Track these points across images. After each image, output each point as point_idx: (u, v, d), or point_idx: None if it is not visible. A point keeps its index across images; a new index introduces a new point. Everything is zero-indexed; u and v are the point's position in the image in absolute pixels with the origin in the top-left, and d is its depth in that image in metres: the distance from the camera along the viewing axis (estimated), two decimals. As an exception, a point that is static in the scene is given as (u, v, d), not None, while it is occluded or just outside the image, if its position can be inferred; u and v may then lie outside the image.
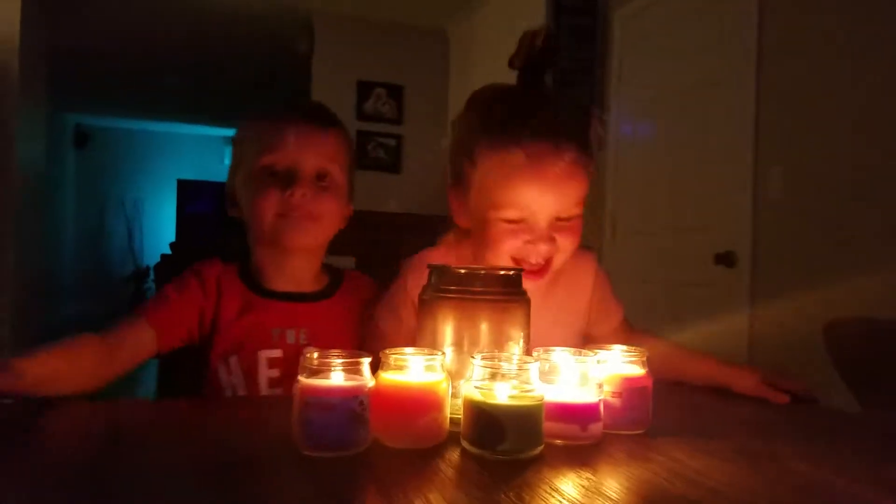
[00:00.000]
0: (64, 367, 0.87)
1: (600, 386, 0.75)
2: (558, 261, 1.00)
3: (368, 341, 1.12)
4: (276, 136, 1.11)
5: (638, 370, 0.81)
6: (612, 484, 0.63)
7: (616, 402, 0.78)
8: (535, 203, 0.95)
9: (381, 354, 0.73)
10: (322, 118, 1.16)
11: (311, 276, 1.18)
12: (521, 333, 0.79)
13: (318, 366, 0.69)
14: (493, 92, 1.02)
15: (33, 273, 4.43)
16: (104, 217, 9.45)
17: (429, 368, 0.72)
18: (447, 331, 0.78)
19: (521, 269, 0.82)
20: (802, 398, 1.00)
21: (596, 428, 0.74)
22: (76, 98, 7.95)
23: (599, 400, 0.74)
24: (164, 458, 0.66)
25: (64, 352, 0.89)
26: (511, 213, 0.96)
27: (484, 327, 0.77)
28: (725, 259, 2.81)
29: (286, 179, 1.09)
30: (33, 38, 4.05)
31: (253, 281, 1.16)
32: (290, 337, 1.12)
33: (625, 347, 0.83)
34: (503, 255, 0.99)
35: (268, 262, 1.16)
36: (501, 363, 0.71)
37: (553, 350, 0.78)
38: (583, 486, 0.61)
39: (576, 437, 0.73)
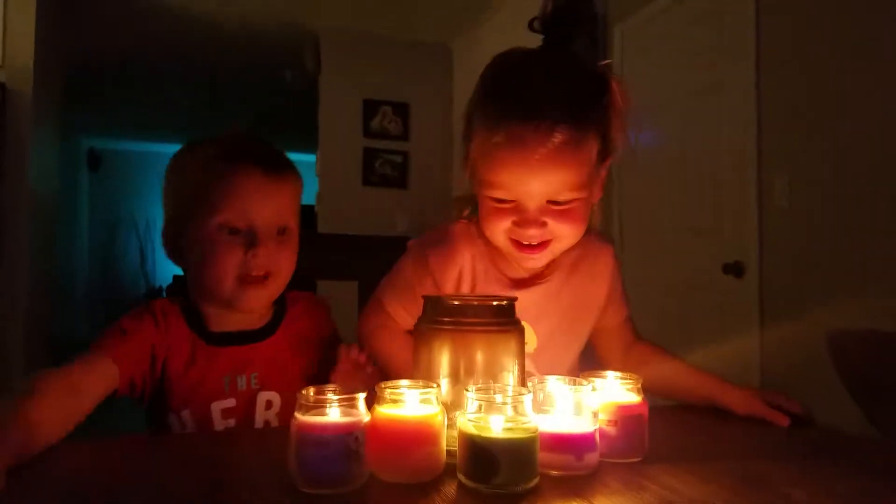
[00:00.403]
0: (37, 433, 0.77)
1: (595, 415, 0.76)
2: (557, 247, 0.97)
3: (374, 327, 1.10)
4: (233, 191, 1.02)
5: (633, 397, 0.81)
6: (606, 516, 0.63)
7: (612, 430, 0.78)
8: (519, 187, 0.91)
9: (375, 388, 0.73)
10: (278, 165, 1.07)
11: (258, 316, 1.12)
12: (516, 362, 0.79)
13: (314, 402, 0.70)
14: (503, 59, 0.97)
15: (47, 293, 4.48)
16: (117, 238, 9.53)
17: (424, 401, 0.72)
18: (442, 361, 0.78)
19: (514, 298, 0.82)
20: (801, 419, 1.00)
21: (592, 457, 0.74)
22: (89, 122, 8.06)
23: (595, 429, 0.74)
24: (151, 498, 0.67)
25: (29, 413, 0.77)
26: (498, 194, 0.93)
27: (478, 357, 0.78)
28: (734, 269, 2.80)
29: (246, 239, 1.02)
30: (47, 63, 4.11)
31: (198, 323, 1.08)
32: (241, 383, 1.07)
33: (620, 374, 0.83)
34: (497, 234, 0.96)
35: (213, 311, 1.09)
36: (495, 395, 0.71)
37: (547, 379, 0.78)
38: (575, 520, 0.61)
39: (571, 467, 0.73)
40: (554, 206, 0.92)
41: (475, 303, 0.80)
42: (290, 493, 0.66)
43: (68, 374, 0.90)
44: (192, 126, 8.37)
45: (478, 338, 0.78)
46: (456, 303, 0.80)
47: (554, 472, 0.72)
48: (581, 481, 0.71)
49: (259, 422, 1.07)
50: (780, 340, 2.55)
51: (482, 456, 0.68)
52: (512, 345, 0.79)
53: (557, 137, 0.88)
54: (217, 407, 1.05)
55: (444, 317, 0.79)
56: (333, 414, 0.69)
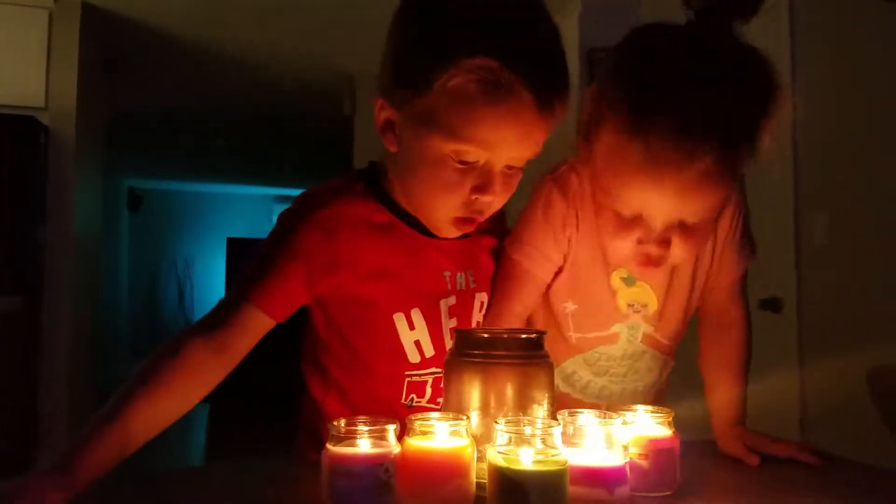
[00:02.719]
0: (135, 430, 0.78)
1: (626, 448, 0.75)
2: (674, 263, 0.93)
3: (507, 282, 1.00)
4: (492, 125, 0.83)
5: (665, 431, 0.80)
6: (636, 550, 0.62)
7: (643, 463, 0.78)
8: (651, 206, 0.84)
9: (406, 420, 0.74)
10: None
11: None
12: (546, 396, 0.79)
13: (345, 433, 0.71)
14: (651, 41, 0.84)
15: (89, 332, 4.55)
16: (157, 276, 9.71)
17: (454, 434, 0.73)
18: (472, 394, 0.79)
19: (543, 332, 0.82)
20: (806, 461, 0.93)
21: (622, 491, 0.73)
22: (129, 162, 8.28)
23: (625, 463, 0.74)
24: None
25: (124, 419, 0.77)
26: (624, 210, 0.86)
27: (508, 391, 0.78)
28: (772, 304, 2.75)
29: (478, 176, 0.88)
30: (89, 107, 4.23)
31: (405, 214, 0.96)
32: (460, 281, 0.98)
33: (651, 408, 0.82)
34: (615, 252, 0.92)
35: None
36: (524, 428, 0.71)
37: (577, 413, 0.78)
38: (605, 553, 0.61)
39: (602, 500, 0.72)
40: (685, 227, 0.86)
41: (504, 336, 0.81)
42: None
43: (211, 342, 0.85)
44: (231, 166, 8.59)
45: (507, 371, 0.78)
46: (485, 336, 0.80)
47: (584, 506, 0.72)
48: (612, 515, 0.71)
49: (472, 324, 1.01)
50: (820, 377, 2.49)
51: (512, 488, 0.68)
52: (542, 378, 0.79)
53: (707, 161, 0.78)
54: (445, 304, 0.97)
55: (473, 349, 0.80)
56: (364, 445, 0.70)
